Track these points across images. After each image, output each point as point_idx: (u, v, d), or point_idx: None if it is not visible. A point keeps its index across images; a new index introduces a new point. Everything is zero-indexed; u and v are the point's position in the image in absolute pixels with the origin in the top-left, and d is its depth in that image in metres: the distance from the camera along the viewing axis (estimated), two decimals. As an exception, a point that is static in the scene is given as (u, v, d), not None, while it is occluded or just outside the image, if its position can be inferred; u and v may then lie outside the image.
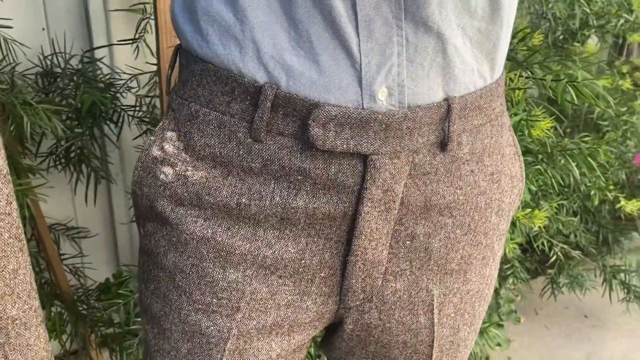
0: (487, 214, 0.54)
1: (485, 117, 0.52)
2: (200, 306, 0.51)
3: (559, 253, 1.44)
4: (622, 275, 1.64)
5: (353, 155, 0.47)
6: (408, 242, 0.52)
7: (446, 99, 0.48)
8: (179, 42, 0.52)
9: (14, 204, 0.42)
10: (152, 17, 0.97)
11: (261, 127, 0.47)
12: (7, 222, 0.41)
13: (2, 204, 0.40)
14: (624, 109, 1.36)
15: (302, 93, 0.45)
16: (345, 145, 0.46)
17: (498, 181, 0.54)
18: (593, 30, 1.46)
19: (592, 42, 1.58)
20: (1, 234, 0.41)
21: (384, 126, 0.46)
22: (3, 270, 0.41)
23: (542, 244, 1.45)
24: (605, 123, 1.39)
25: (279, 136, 0.47)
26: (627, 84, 1.43)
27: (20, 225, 0.43)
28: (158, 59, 0.84)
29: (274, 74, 0.45)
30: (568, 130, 1.66)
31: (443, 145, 0.49)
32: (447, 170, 0.50)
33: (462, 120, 0.49)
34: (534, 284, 1.81)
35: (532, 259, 1.84)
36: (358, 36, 0.44)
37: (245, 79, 0.46)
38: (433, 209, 0.51)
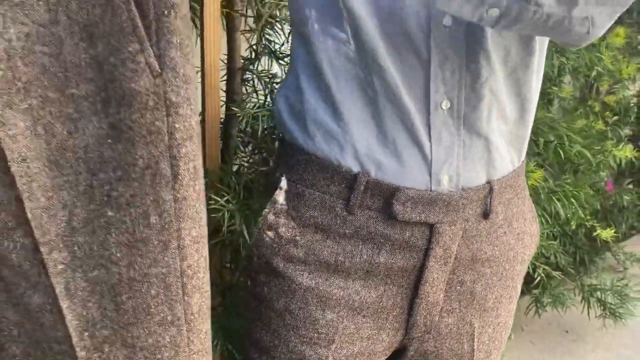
0: (514, 264, 0.72)
1: (514, 192, 0.69)
2: (304, 339, 0.66)
3: (542, 274, 1.60)
4: (598, 293, 1.81)
5: (422, 224, 0.64)
6: (458, 287, 0.68)
7: (488, 182, 0.66)
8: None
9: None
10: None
11: (355, 204, 0.64)
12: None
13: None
14: (598, 147, 1.54)
15: (387, 180, 0.63)
16: (417, 217, 0.63)
17: (522, 239, 0.72)
18: (567, 74, 1.65)
19: (567, 84, 1.78)
20: (201, 306, 0.56)
21: (445, 203, 0.64)
22: (200, 333, 0.56)
23: (527, 266, 1.62)
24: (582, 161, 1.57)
25: (367, 210, 0.65)
26: (599, 125, 1.62)
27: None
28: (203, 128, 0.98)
29: (366, 166, 0.63)
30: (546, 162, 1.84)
31: (485, 215, 0.67)
32: (488, 233, 0.68)
33: (498, 196, 0.67)
34: (520, 302, 1.98)
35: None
36: (430, 142, 0.62)
37: (343, 169, 0.64)
38: (477, 262, 0.68)
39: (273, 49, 1.11)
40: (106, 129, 0.49)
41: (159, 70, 0.48)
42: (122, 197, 0.50)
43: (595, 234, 1.48)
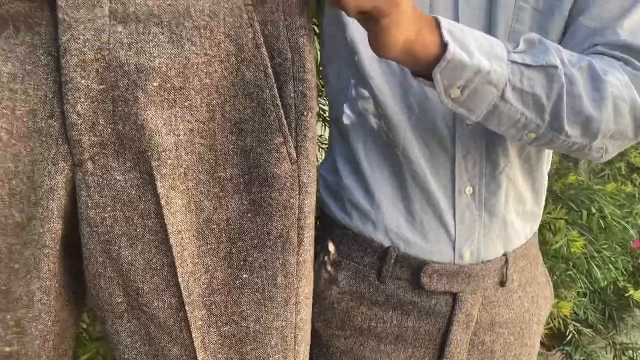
0: (530, 324, 0.80)
1: (527, 260, 0.79)
2: None
3: (573, 331, 1.65)
4: (630, 352, 1.84)
5: (447, 293, 0.73)
6: (479, 347, 0.76)
7: (504, 254, 0.75)
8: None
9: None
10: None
11: (386, 275, 0.73)
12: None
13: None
14: (628, 210, 1.62)
15: (414, 254, 0.72)
16: (442, 288, 0.72)
17: (537, 302, 0.81)
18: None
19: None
20: (305, 354, 0.64)
21: (467, 275, 0.73)
22: None
23: (558, 322, 1.67)
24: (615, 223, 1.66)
25: (397, 280, 0.73)
26: (629, 188, 1.70)
27: None
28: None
29: (396, 242, 0.73)
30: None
31: (502, 283, 0.76)
32: (505, 298, 0.76)
33: (513, 265, 0.76)
34: (551, 357, 2.00)
35: (548, 336, 2.04)
36: (454, 222, 0.72)
37: (375, 243, 0.73)
38: (496, 324, 0.76)
39: (325, 116, 1.21)
40: (247, 204, 0.59)
41: (296, 158, 0.58)
42: (256, 261, 0.60)
43: (627, 294, 1.54)
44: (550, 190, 1.15)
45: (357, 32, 0.68)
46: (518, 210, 0.76)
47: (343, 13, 0.55)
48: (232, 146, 0.58)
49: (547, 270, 0.86)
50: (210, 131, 0.58)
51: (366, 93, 0.71)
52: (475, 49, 0.59)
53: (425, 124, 0.70)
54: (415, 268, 0.73)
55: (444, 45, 0.58)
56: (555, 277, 1.19)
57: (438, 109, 0.70)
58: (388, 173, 0.72)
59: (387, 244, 0.73)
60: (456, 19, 0.68)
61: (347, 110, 0.73)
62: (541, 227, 1.03)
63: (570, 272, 1.22)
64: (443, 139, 0.70)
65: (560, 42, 0.69)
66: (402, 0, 0.52)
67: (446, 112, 0.69)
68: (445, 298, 0.73)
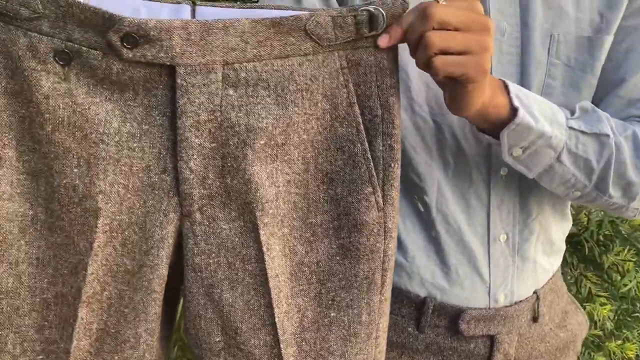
0: (565, 351, 0.85)
1: (554, 293, 0.84)
2: None
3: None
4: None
5: (484, 336, 0.78)
6: None
7: (535, 292, 0.80)
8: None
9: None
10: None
11: (425, 325, 0.77)
12: None
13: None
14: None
15: (451, 303, 0.77)
16: (480, 332, 0.77)
17: (570, 330, 0.86)
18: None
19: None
20: None
21: (503, 317, 0.78)
22: None
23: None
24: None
25: (436, 328, 0.78)
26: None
27: None
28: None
29: (432, 292, 0.77)
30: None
31: (535, 319, 0.81)
32: (539, 333, 0.81)
33: (543, 301, 0.81)
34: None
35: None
36: (489, 269, 0.77)
37: (412, 295, 0.77)
38: (532, 357, 0.81)
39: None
40: (336, 248, 0.63)
41: (383, 206, 0.63)
42: (343, 301, 0.64)
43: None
44: (617, 232, 1.22)
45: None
46: (546, 250, 0.81)
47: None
48: (323, 195, 0.63)
49: (572, 298, 0.92)
50: (304, 181, 0.62)
51: (402, 153, 0.76)
52: (539, 114, 0.65)
53: (461, 176, 0.75)
54: (452, 315, 0.77)
55: (513, 110, 0.63)
56: (619, 318, 1.25)
57: (473, 161, 0.75)
58: (420, 226, 0.77)
59: (423, 294, 0.77)
60: (490, 73, 0.73)
61: None
62: (609, 269, 1.09)
63: (636, 314, 1.28)
64: (479, 190, 0.75)
65: (591, 98, 0.75)
66: (489, 68, 0.57)
67: (481, 163, 0.75)
68: (483, 341, 0.77)
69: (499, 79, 0.66)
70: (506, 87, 0.64)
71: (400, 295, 0.77)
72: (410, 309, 0.77)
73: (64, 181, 0.56)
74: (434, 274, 0.76)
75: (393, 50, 0.60)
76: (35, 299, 0.58)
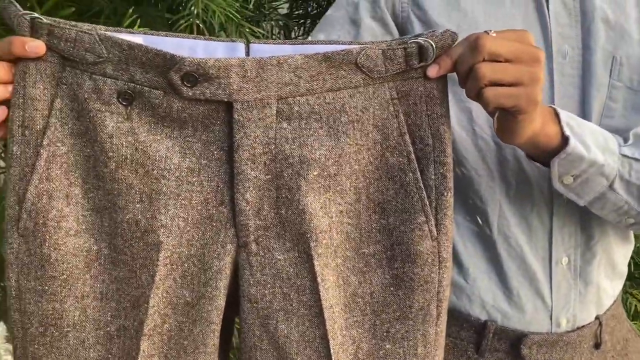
0: None
1: (616, 319, 0.81)
2: None
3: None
4: None
5: None
6: None
7: (597, 318, 0.78)
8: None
9: None
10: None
11: (485, 348, 0.76)
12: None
13: None
14: None
15: (512, 327, 0.75)
16: (542, 358, 0.75)
17: (631, 358, 0.82)
18: None
19: None
20: None
21: (565, 343, 0.76)
22: None
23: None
24: None
25: (496, 352, 0.76)
26: None
27: None
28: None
29: (493, 315, 0.76)
30: None
31: (597, 345, 0.79)
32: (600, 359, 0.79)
33: (605, 327, 0.79)
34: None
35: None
36: (551, 292, 0.75)
37: (472, 318, 0.76)
38: None
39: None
40: (389, 279, 0.63)
41: (436, 235, 0.62)
42: (398, 332, 0.64)
43: None
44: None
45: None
46: (608, 273, 0.79)
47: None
48: (375, 225, 0.63)
49: (632, 325, 0.89)
50: (357, 212, 0.63)
51: (459, 173, 0.75)
52: (591, 142, 0.65)
53: (522, 198, 0.75)
54: (513, 340, 0.75)
55: (564, 139, 0.63)
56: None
57: (535, 182, 0.74)
58: (481, 248, 0.76)
59: (484, 317, 0.76)
60: (552, 96, 0.73)
61: None
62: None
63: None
64: (541, 211, 0.75)
65: None
66: (540, 99, 0.57)
67: (543, 185, 0.74)
68: None
69: (550, 107, 0.65)
70: (557, 115, 0.64)
71: (460, 318, 0.77)
72: (470, 332, 0.77)
73: (127, 216, 0.58)
74: (495, 296, 0.76)
75: (442, 80, 0.61)
76: (100, 332, 0.59)
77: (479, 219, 0.76)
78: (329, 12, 0.80)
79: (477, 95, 0.58)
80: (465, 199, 0.76)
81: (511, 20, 0.73)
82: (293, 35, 1.23)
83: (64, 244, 0.58)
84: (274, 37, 1.17)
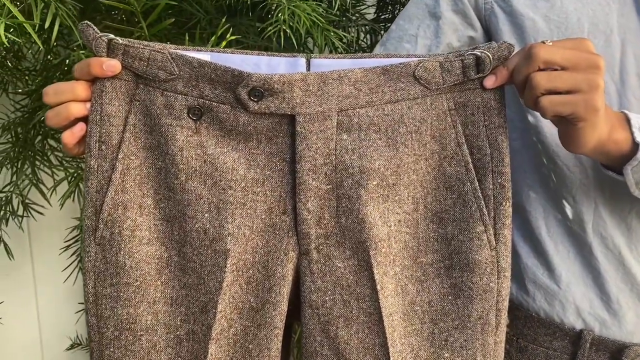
0: None
1: None
2: None
3: None
4: None
5: None
6: None
7: None
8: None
9: None
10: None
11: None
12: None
13: None
14: None
15: (612, 337, 0.71)
16: None
17: None
18: None
19: None
20: None
21: None
22: None
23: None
24: None
25: None
26: None
27: None
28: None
29: (590, 323, 0.72)
30: None
31: None
32: None
33: None
34: None
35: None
36: None
37: (565, 326, 0.72)
38: None
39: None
40: (448, 288, 0.64)
41: (495, 245, 0.63)
42: (457, 341, 0.64)
43: None
44: None
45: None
46: None
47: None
48: (433, 234, 0.64)
49: None
50: (414, 221, 0.64)
51: (551, 170, 0.73)
52: None
53: (620, 197, 0.70)
54: (613, 351, 0.71)
55: (635, 145, 0.61)
56: None
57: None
58: (574, 250, 0.73)
59: (579, 326, 0.72)
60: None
61: (528, 191, 0.75)
62: None
63: None
64: None
65: None
66: (600, 106, 0.56)
67: None
68: None
69: (622, 112, 0.63)
70: (629, 120, 0.62)
71: (552, 327, 0.73)
72: (564, 342, 0.72)
73: (196, 225, 0.61)
74: (592, 303, 0.71)
75: (499, 90, 0.62)
76: (170, 336, 0.62)
77: (572, 219, 0.72)
78: (407, 7, 0.79)
79: (534, 104, 0.58)
80: (557, 198, 0.73)
81: (605, 9, 0.69)
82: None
83: (138, 252, 0.61)
84: (360, 42, 1.18)
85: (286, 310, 0.63)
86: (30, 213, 1.21)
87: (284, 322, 0.63)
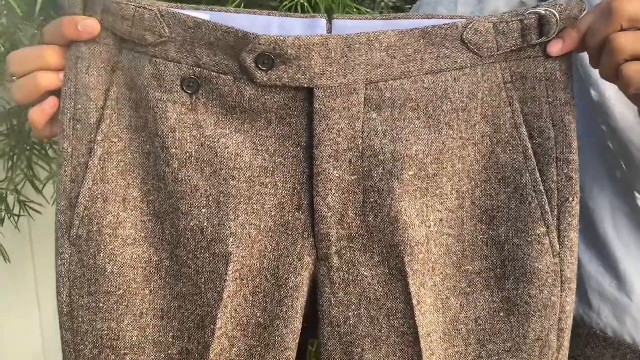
0: None
1: None
2: None
3: None
4: None
5: None
6: None
7: None
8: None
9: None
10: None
11: None
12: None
13: None
14: None
15: None
16: None
17: None
18: None
19: None
20: None
21: None
22: None
23: None
24: None
25: None
26: None
27: None
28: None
29: None
30: None
31: None
32: None
33: None
34: None
35: None
36: None
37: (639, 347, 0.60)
38: None
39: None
40: (499, 302, 0.52)
41: (559, 250, 0.51)
42: None
43: None
44: None
45: (612, 91, 0.59)
46: None
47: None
48: (482, 236, 0.52)
49: None
50: (459, 220, 0.52)
51: (621, 162, 0.61)
52: None
53: None
54: None
55: None
56: None
57: None
58: None
59: None
60: None
61: (591, 185, 0.64)
62: None
63: None
64: None
65: None
66: None
67: None
68: None
69: None
70: None
71: (622, 348, 0.62)
72: None
73: (192, 223, 0.50)
74: None
75: (567, 59, 0.50)
76: (160, 355, 0.52)
77: None
78: None
79: (614, 74, 0.47)
80: (628, 191, 0.61)
81: None
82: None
83: (121, 254, 0.50)
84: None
85: (300, 328, 0.52)
86: (28, 212, 1.11)
87: (297, 341, 0.52)
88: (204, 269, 0.50)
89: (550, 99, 0.50)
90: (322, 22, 0.50)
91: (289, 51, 0.46)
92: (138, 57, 0.49)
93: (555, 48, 0.49)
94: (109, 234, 0.50)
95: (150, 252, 0.52)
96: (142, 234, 0.51)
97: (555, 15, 0.48)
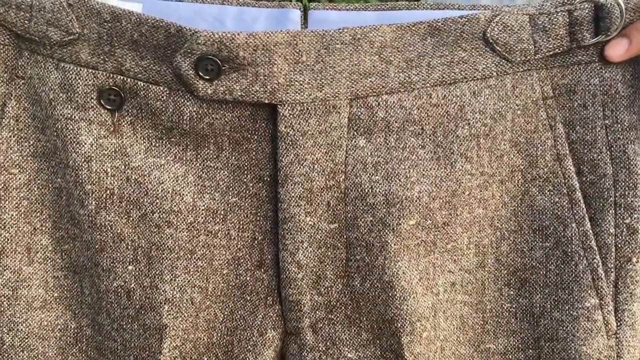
0: None
1: None
2: None
3: None
4: None
5: None
6: None
7: None
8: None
9: None
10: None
11: None
12: None
13: None
14: None
15: None
16: None
17: None
18: None
19: None
20: None
21: None
22: None
23: None
24: None
25: None
26: None
27: None
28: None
29: None
30: None
31: None
32: None
33: None
34: None
35: None
36: None
37: None
38: None
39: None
40: None
41: (615, 329, 0.37)
42: None
43: None
44: None
45: None
46: None
47: None
48: (508, 305, 0.39)
49: None
50: (478, 283, 0.39)
51: None
52: None
53: None
54: None
55: None
56: None
57: None
58: None
59: None
60: None
61: None
62: None
63: None
64: None
65: None
66: None
67: None
68: None
69: None
70: None
71: None
72: None
73: (114, 283, 0.37)
74: None
75: (632, 65, 0.37)
76: None
77: None
78: None
79: None
80: None
81: None
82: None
83: (25, 322, 0.38)
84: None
85: None
86: None
87: None
88: (132, 344, 0.38)
89: (607, 122, 0.37)
90: (295, 12, 0.37)
91: (241, 53, 0.33)
92: (41, 61, 0.37)
93: (618, 51, 0.37)
94: (7, 296, 0.38)
95: (65, 318, 0.39)
96: (55, 294, 0.39)
97: (619, 5, 0.34)
